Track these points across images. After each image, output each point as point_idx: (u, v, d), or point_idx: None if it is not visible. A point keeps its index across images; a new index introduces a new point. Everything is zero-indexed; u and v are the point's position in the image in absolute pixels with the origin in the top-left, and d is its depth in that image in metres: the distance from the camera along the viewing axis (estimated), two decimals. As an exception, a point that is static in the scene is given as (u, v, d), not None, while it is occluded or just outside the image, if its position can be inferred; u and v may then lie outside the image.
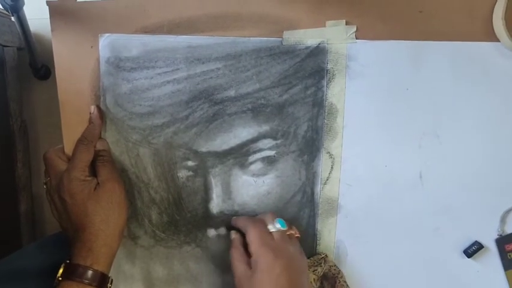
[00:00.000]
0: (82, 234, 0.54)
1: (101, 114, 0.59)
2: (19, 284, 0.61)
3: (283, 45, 0.59)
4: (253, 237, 0.54)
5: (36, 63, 0.83)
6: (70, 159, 0.57)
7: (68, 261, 0.54)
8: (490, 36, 0.60)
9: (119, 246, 0.57)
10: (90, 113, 0.59)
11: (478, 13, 0.60)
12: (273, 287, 0.51)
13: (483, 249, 0.62)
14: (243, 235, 0.57)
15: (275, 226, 0.55)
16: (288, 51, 0.60)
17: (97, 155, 0.58)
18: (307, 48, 0.60)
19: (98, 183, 0.56)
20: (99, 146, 0.59)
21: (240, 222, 0.58)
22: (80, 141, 0.57)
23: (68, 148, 0.59)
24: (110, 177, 0.57)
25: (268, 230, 0.55)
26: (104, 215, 0.54)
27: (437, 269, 0.63)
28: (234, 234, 0.58)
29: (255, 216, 0.60)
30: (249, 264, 0.53)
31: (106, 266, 0.54)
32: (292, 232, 0.57)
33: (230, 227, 0.60)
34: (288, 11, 0.59)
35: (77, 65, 0.59)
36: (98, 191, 0.55)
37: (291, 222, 0.59)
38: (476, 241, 0.62)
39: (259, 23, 0.59)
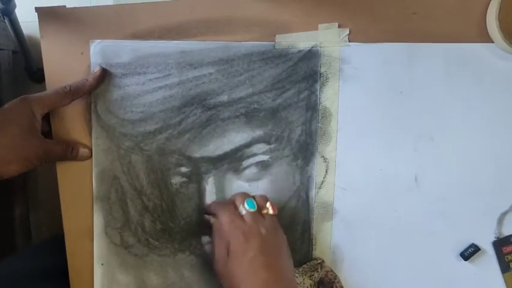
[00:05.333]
0: None
1: (101, 78, 0.57)
2: (14, 287, 0.60)
3: (275, 49, 0.59)
4: (223, 221, 0.53)
5: (31, 66, 0.82)
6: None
7: None
8: (484, 37, 0.60)
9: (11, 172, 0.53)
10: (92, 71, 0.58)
11: (472, 14, 0.60)
12: (247, 270, 0.50)
13: (480, 251, 0.62)
14: None
15: (245, 208, 0.54)
16: (281, 55, 0.59)
17: (74, 143, 0.58)
18: (300, 51, 0.59)
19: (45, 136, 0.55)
20: (82, 147, 0.58)
21: (212, 208, 0.57)
22: (63, 86, 0.55)
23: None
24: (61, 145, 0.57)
25: (238, 212, 0.54)
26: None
27: (434, 273, 0.62)
28: (213, 219, 0.56)
29: (226, 199, 0.58)
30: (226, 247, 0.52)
31: None
32: (266, 211, 0.55)
33: (206, 212, 0.59)
34: (280, 15, 0.59)
35: (68, 72, 0.58)
36: (39, 136, 0.54)
37: (286, 227, 0.58)
38: (472, 244, 0.62)
39: (251, 27, 0.59)
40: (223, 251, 0.52)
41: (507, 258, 0.62)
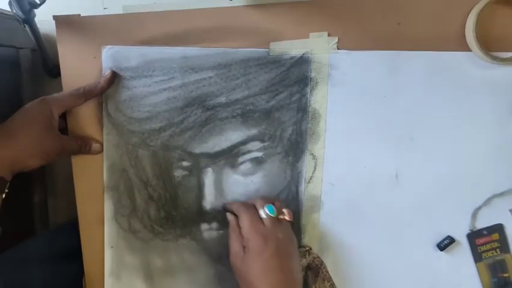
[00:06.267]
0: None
1: (111, 81, 0.63)
2: (32, 269, 0.67)
3: (270, 55, 0.64)
4: (244, 222, 0.58)
5: (48, 63, 0.88)
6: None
7: None
8: (463, 46, 0.64)
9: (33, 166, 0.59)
10: (103, 75, 0.63)
11: (452, 25, 0.64)
12: (262, 269, 0.55)
13: (455, 243, 0.67)
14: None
15: (265, 212, 0.59)
16: (275, 61, 0.64)
17: (88, 139, 0.64)
18: (292, 58, 0.64)
19: (61, 132, 0.61)
20: (94, 143, 0.64)
21: (234, 207, 0.62)
22: (77, 88, 0.62)
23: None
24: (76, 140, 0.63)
25: (259, 215, 0.59)
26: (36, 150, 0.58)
27: (412, 262, 0.68)
28: (230, 216, 0.62)
29: (247, 201, 0.64)
30: (243, 245, 0.58)
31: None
32: (282, 217, 0.60)
33: (225, 209, 0.65)
34: (274, 24, 0.64)
35: (81, 74, 0.64)
36: (57, 132, 0.60)
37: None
38: (448, 236, 0.67)
39: (248, 35, 0.64)
40: (239, 248, 0.58)
41: (480, 249, 0.67)
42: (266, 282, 0.55)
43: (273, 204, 0.60)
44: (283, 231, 0.59)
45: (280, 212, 0.61)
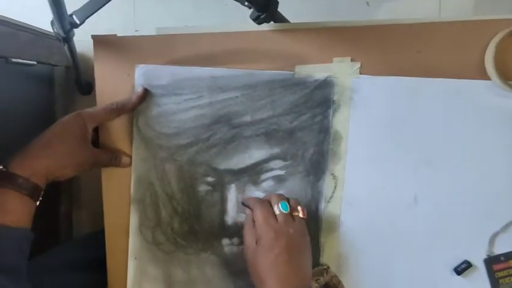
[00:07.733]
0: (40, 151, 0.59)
1: (143, 97, 0.66)
2: (58, 276, 0.69)
3: (294, 77, 0.67)
4: (258, 217, 0.60)
5: (81, 80, 0.93)
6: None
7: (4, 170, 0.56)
8: (482, 75, 0.66)
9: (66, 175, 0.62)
10: (135, 91, 0.67)
11: (472, 54, 0.66)
12: (271, 263, 0.57)
13: (472, 267, 0.68)
14: None
15: (279, 208, 0.61)
16: (299, 83, 0.67)
17: (118, 152, 0.67)
18: (316, 81, 0.67)
19: (93, 145, 0.64)
20: (124, 156, 0.67)
21: (250, 202, 0.64)
22: (111, 103, 0.65)
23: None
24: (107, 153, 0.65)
25: (273, 211, 0.61)
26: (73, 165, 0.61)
27: (429, 285, 0.69)
28: (247, 210, 0.64)
29: (263, 197, 0.66)
30: (256, 239, 0.60)
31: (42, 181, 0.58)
32: (296, 213, 0.62)
33: (243, 204, 0.67)
34: (299, 48, 0.67)
35: (115, 90, 0.67)
36: (90, 145, 0.63)
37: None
38: (465, 260, 0.68)
39: (274, 58, 0.67)
40: (252, 240, 0.60)
41: (497, 275, 0.68)
42: (274, 276, 0.57)
43: (288, 201, 0.62)
44: (295, 227, 0.60)
45: (294, 209, 0.63)
